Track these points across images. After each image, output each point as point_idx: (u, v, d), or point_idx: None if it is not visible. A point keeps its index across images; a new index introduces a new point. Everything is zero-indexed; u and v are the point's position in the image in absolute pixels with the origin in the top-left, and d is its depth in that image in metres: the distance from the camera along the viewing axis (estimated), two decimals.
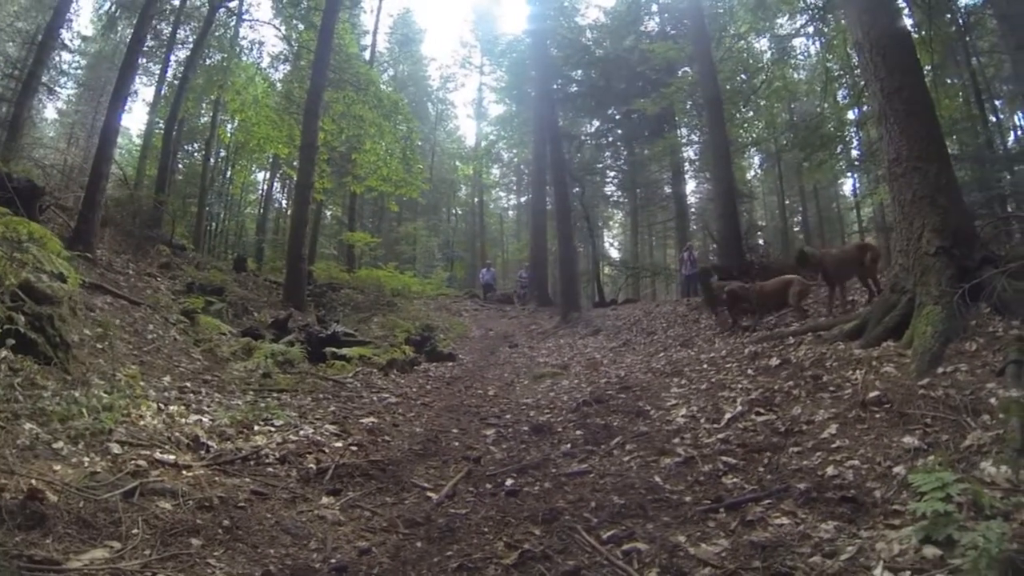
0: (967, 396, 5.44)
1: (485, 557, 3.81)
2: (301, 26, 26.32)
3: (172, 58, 27.62)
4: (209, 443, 5.49)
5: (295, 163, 23.38)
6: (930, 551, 3.39)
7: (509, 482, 5.37)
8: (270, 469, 5.24)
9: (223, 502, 4.27)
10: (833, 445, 5.31)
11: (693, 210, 38.76)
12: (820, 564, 3.47)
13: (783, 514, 4.24)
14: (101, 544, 3.37)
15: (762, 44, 29.98)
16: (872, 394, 6.04)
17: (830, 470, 4.82)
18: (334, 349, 11.54)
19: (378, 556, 3.81)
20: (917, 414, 5.40)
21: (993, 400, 5.26)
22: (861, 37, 9.51)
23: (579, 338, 16.72)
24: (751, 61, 29.01)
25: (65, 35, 26.80)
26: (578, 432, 7.12)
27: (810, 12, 21.58)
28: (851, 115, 23.59)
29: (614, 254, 50.21)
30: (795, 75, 30.19)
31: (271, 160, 31.88)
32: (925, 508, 3.57)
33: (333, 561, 3.63)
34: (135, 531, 3.55)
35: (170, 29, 26.67)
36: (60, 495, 3.75)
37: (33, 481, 3.78)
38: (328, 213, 38.75)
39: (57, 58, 28.30)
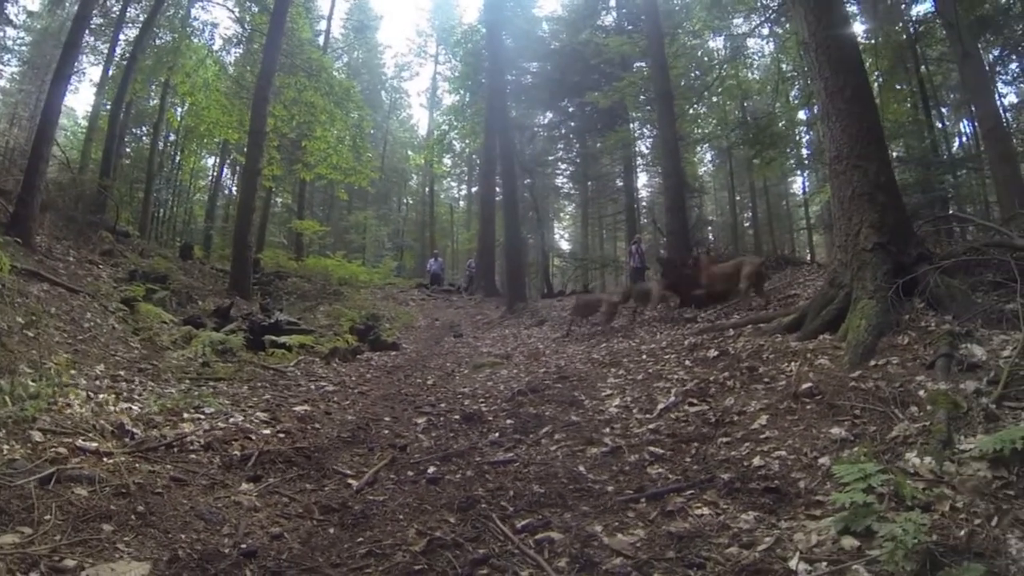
0: (896, 388, 5.57)
1: (395, 544, 3.85)
2: (255, 8, 26.00)
3: (121, 37, 26.99)
4: (134, 431, 5.48)
5: (245, 149, 23.16)
6: (848, 542, 3.45)
7: (431, 470, 5.41)
8: (193, 456, 5.24)
9: (140, 488, 4.29)
10: (762, 436, 5.40)
11: (644, 204, 39.10)
12: (736, 555, 3.50)
13: (704, 504, 4.28)
14: (12, 530, 3.41)
15: (717, 43, 30.37)
16: (804, 385, 6.16)
17: (756, 460, 4.89)
18: (274, 338, 11.52)
19: (289, 542, 3.86)
20: (847, 405, 5.51)
21: (922, 392, 5.39)
22: (807, 37, 9.69)
23: (524, 328, 16.82)
24: (705, 59, 29.38)
25: (10, 9, 26.21)
26: (509, 421, 7.17)
27: (765, 13, 21.90)
28: (802, 115, 24.07)
29: (564, 246, 50.58)
30: (749, 74, 30.62)
31: (221, 146, 31.53)
32: (845, 499, 3.60)
33: (244, 546, 3.66)
34: (48, 517, 3.60)
35: (119, 6, 26.08)
36: None
37: None
38: (278, 201, 38.40)
39: (1, 33, 27.68)
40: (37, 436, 4.81)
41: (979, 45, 17.78)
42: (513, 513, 4.36)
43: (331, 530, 4.11)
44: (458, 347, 14.49)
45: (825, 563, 3.30)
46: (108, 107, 25.58)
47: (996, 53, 21.02)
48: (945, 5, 16.56)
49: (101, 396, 6.17)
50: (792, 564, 3.32)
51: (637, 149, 36.84)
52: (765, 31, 24.26)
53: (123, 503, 4.00)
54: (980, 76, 16.76)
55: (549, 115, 37.82)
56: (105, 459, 4.71)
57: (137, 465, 4.77)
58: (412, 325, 18.71)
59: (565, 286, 32.27)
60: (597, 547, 3.77)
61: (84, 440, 4.92)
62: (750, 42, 27.02)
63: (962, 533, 3.36)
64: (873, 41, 19.29)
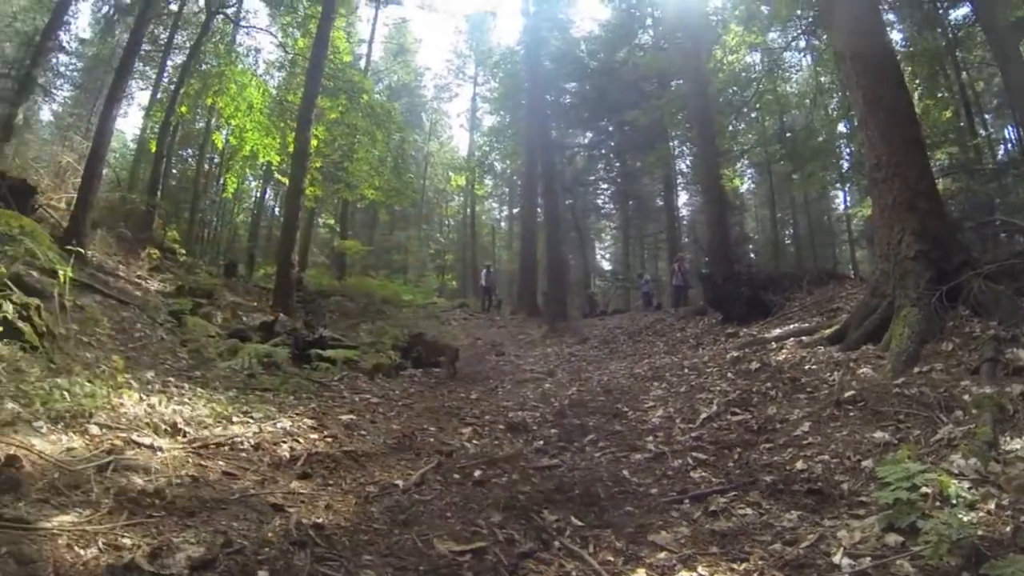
0: (941, 393, 5.60)
1: (443, 537, 3.89)
2: (297, 33, 26.42)
3: (168, 63, 27.71)
4: (187, 429, 5.57)
5: (288, 170, 23.48)
6: (892, 538, 3.52)
7: (477, 473, 5.44)
8: (243, 454, 5.30)
9: (194, 480, 4.36)
10: (805, 441, 5.46)
11: (685, 222, 38.87)
12: (779, 551, 3.62)
13: (747, 505, 4.39)
14: (72, 510, 3.48)
15: (754, 58, 30.21)
16: (847, 393, 6.18)
17: (799, 464, 4.96)
18: (320, 351, 11.60)
19: (340, 534, 3.86)
20: (890, 411, 5.55)
21: (967, 397, 5.42)
22: (843, 47, 9.66)
23: (566, 347, 16.77)
24: (743, 74, 29.22)
25: (63, 37, 26.93)
26: (553, 430, 7.25)
27: (801, 25, 21.77)
28: (842, 127, 23.79)
29: (605, 265, 50.37)
30: (787, 87, 30.40)
31: (264, 168, 31.94)
32: (889, 497, 3.68)
33: (295, 535, 3.69)
34: (105, 500, 3.65)
35: (167, 34, 26.76)
36: (36, 465, 3.87)
37: (13, 449, 3.91)
38: (320, 221, 38.77)
39: (54, 60, 28.42)
40: (94, 429, 4.89)
41: (1021, 48, 17.46)
42: (557, 511, 4.42)
43: (380, 526, 4.12)
44: (501, 364, 14.47)
45: (869, 558, 3.38)
46: (156, 130, 26.12)
47: None
48: (984, 8, 16.31)
49: (153, 398, 6.26)
50: (836, 559, 3.44)
51: (677, 167, 36.70)
52: (802, 43, 24.13)
53: (178, 492, 4.04)
54: (1023, 80, 16.44)
55: (589, 135, 37.83)
56: (159, 452, 4.79)
57: (190, 459, 4.84)
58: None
59: (606, 305, 32.05)
60: (642, 543, 3.86)
61: (139, 435, 5.00)
62: (787, 55, 26.88)
63: (1008, 529, 3.39)
64: (911, 48, 19.07)
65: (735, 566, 3.49)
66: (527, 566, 3.59)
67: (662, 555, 3.69)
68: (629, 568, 3.56)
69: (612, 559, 3.67)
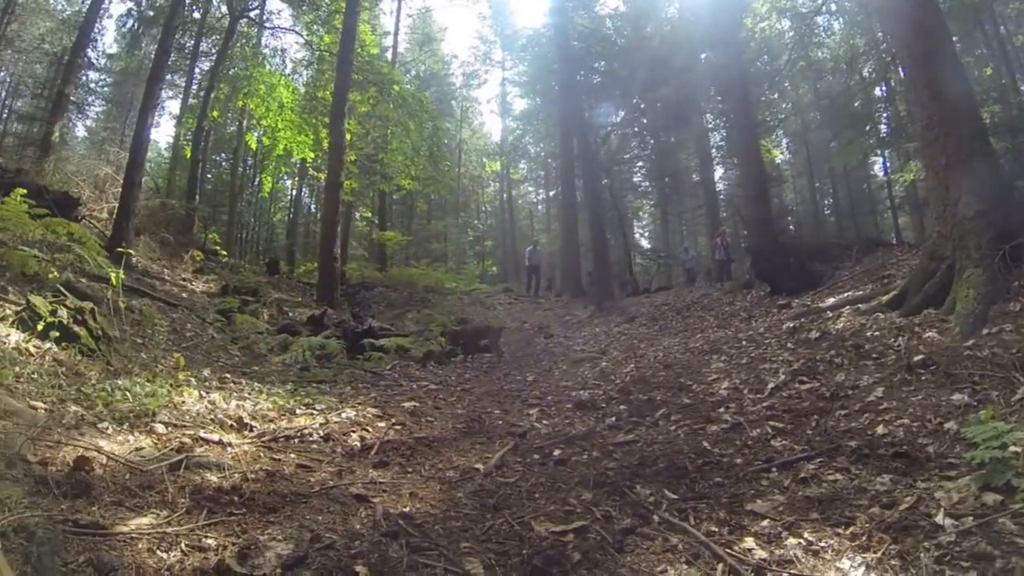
0: (1014, 354, 5.48)
1: (537, 518, 3.79)
2: (322, 30, 26.47)
3: (196, 70, 27.99)
4: (253, 424, 5.53)
5: (322, 167, 23.54)
6: (990, 497, 3.43)
7: (556, 452, 5.36)
8: (315, 446, 5.26)
9: (269, 475, 4.27)
10: (881, 407, 5.34)
11: (722, 196, 38.44)
12: (879, 514, 3.49)
13: (836, 471, 4.27)
14: (148, 512, 3.37)
15: (784, 24, 29.72)
16: (917, 357, 6.07)
17: (880, 429, 4.85)
18: (372, 341, 11.55)
19: (430, 522, 3.76)
20: (964, 373, 5.45)
21: None
22: (887, 2, 9.34)
23: (614, 325, 16.57)
24: (775, 41, 28.78)
25: (91, 54, 27.31)
26: (622, 407, 7.16)
27: None
28: (878, 91, 23.28)
29: (645, 244, 50.01)
30: (819, 54, 29.89)
31: (298, 165, 32.11)
32: (982, 456, 3.59)
33: (383, 527, 3.57)
34: (182, 500, 3.55)
35: (193, 42, 26.99)
36: (106, 467, 3.78)
37: (82, 451, 3.81)
38: (358, 215, 38.91)
39: (84, 77, 28.82)
40: (160, 428, 4.83)
41: None
42: (648, 486, 4.35)
43: (470, 511, 4.01)
44: (551, 346, 14.35)
45: (971, 518, 3.29)
46: (189, 136, 26.38)
47: None
48: None
49: (213, 395, 6.24)
50: (938, 520, 3.33)
51: (712, 141, 36.30)
52: (832, 7, 23.65)
53: (255, 487, 3.94)
54: None
55: (621, 113, 37.41)
56: (229, 448, 4.73)
57: (261, 454, 4.78)
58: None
59: (650, 283, 31.73)
60: (740, 513, 3.79)
61: (206, 432, 4.94)
62: (818, 19, 26.33)
63: None
64: (946, 4, 18.49)
65: (840, 530, 3.39)
66: (632, 541, 3.48)
67: (765, 523, 3.59)
68: (736, 538, 3.46)
69: (716, 529, 3.57)
